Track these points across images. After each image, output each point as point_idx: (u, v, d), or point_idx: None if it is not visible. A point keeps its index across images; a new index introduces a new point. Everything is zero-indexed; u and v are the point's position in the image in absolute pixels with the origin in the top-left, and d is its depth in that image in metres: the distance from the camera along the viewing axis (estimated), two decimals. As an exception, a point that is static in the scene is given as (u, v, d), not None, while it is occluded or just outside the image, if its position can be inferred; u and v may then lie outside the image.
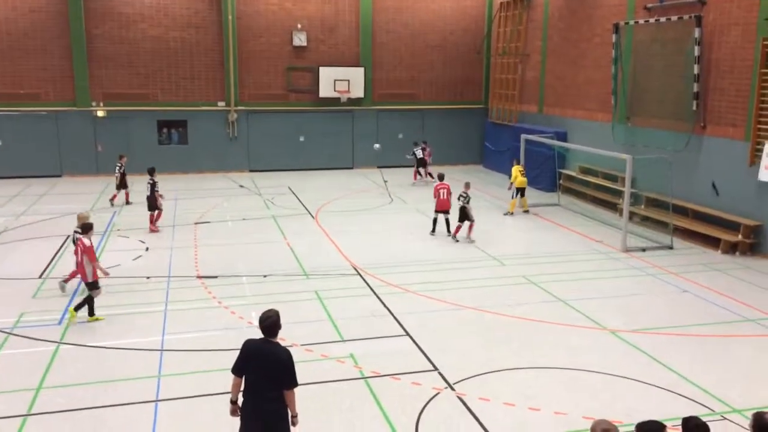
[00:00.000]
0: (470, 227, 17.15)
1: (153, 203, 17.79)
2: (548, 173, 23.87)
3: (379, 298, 12.68)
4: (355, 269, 14.48)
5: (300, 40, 28.09)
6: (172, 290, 13.05)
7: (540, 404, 8.55)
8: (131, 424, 8.08)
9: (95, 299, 11.39)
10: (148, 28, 26.59)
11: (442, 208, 17.48)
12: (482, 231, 17.97)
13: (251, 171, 28.04)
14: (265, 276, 13.95)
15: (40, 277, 13.79)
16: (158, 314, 11.73)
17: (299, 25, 28.03)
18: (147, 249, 15.98)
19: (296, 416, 6.54)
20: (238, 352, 6.48)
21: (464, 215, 17.01)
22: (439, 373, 9.45)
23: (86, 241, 11.40)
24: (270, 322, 6.38)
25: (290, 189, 24.34)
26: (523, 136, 21.89)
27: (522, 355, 10.17)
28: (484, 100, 30.62)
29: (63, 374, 9.38)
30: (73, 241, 12.38)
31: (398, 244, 16.72)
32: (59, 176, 26.07)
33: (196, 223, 18.68)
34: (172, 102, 27.23)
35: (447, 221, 17.45)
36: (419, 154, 25.99)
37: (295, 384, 6.41)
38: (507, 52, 28.28)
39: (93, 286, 11.37)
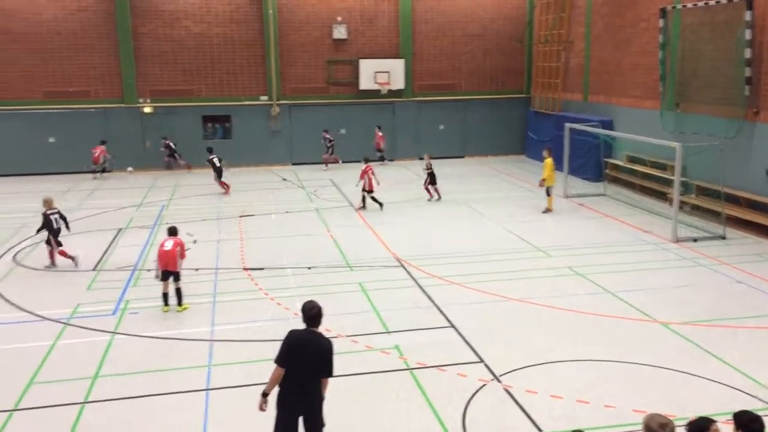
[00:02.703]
0: (436, 189, 20.69)
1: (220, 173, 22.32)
2: (594, 163, 23.44)
3: (422, 289, 12.68)
4: (399, 261, 14.51)
5: (340, 32, 28.16)
6: (220, 282, 13.30)
7: (589, 397, 8.44)
8: (184, 412, 8.28)
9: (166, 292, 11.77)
10: (191, 26, 27.03)
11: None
12: (527, 222, 17.80)
13: (294, 164, 28.29)
14: (309, 268, 14.09)
15: (93, 269, 14.22)
16: (207, 305, 11.97)
17: (339, 18, 28.10)
18: (195, 241, 16.29)
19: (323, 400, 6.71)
20: (282, 346, 6.56)
21: (434, 179, 20.55)
22: (485, 365, 9.41)
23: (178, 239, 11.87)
24: (314, 313, 6.53)
25: (332, 182, 24.48)
26: (568, 125, 21.53)
27: (569, 347, 10.04)
28: (526, 89, 30.21)
29: (118, 363, 9.67)
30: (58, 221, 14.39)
31: (441, 236, 16.67)
32: (109, 171, 26.74)
33: (241, 217, 18.97)
34: (216, 97, 27.66)
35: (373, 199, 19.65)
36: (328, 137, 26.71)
37: (332, 373, 6.55)
38: (550, 40, 27.81)
39: (177, 276, 11.74)
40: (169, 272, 11.63)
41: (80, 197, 22.09)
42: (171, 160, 27.01)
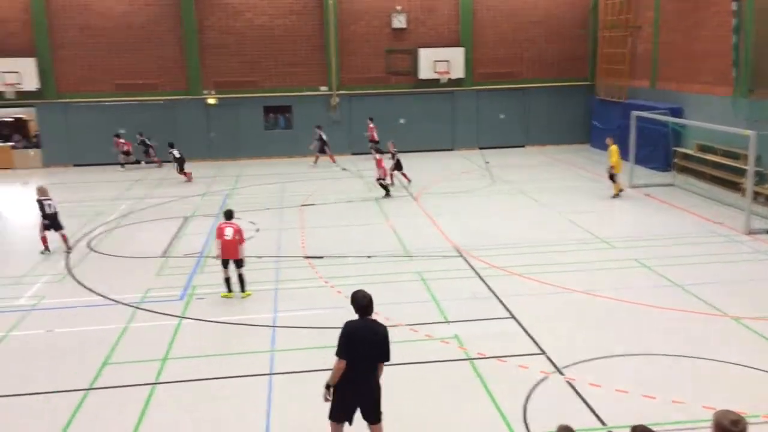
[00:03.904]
0: (404, 174, 21.43)
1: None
2: (662, 152, 22.66)
3: (482, 279, 12.59)
4: (458, 251, 14.44)
5: (399, 21, 28.10)
6: (282, 269, 13.56)
7: (655, 392, 8.22)
8: (248, 395, 8.51)
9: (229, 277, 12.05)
10: (253, 17, 27.49)
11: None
12: (590, 212, 17.41)
13: (353, 154, 28.47)
14: (369, 257, 14.19)
15: (162, 255, 14.73)
16: (270, 292, 12.22)
17: (398, 7, 28.03)
18: (257, 230, 16.65)
19: None
20: (342, 338, 6.55)
21: (400, 165, 21.12)
22: (547, 357, 9.29)
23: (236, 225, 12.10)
24: (366, 302, 6.63)
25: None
26: (634, 113, 20.88)
27: (634, 341, 9.78)
28: (591, 76, 29.43)
29: (185, 347, 10.01)
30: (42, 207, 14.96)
31: (501, 226, 16.49)
32: (138, 163, 27.44)
33: (302, 206, 19.25)
34: (278, 88, 28.09)
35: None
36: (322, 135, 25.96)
37: (390, 358, 6.71)
38: (616, 25, 26.97)
39: (239, 263, 12.00)
40: (226, 261, 11.86)
41: (149, 187, 22.88)
42: (144, 155, 26.83)
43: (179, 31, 27.15)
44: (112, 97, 27.27)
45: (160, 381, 8.92)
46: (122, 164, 26.38)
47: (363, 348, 6.44)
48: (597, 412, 7.84)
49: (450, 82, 28.56)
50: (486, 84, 29.14)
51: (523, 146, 29.47)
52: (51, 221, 15.04)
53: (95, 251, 15.23)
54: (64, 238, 15.22)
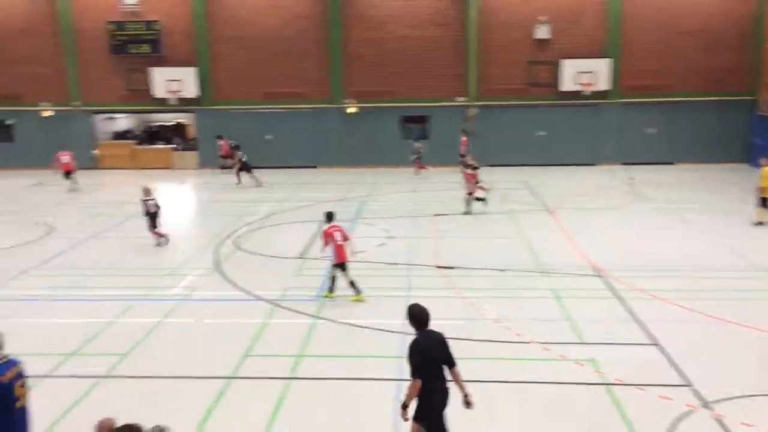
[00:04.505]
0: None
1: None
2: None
3: (622, 302, 11.95)
4: (596, 270, 13.82)
5: (542, 32, 27.51)
6: (413, 277, 13.67)
7: (821, 440, 7.38)
8: (376, 397, 8.64)
9: (335, 276, 12.42)
10: (394, 29, 28.09)
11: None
12: (744, 237, 16.05)
13: (490, 166, 28.17)
14: (501, 270, 13.95)
15: (300, 257, 15.37)
16: (400, 299, 12.32)
17: (542, 18, 27.45)
18: (390, 237, 16.93)
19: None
20: (416, 357, 6.55)
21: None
22: (693, 390, 8.63)
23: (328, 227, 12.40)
24: (425, 316, 6.77)
25: (528, 184, 24.02)
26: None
27: (797, 381, 8.85)
28: (752, 90, 27.14)
29: (320, 345, 10.36)
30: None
31: (644, 247, 15.59)
32: (315, 167, 28.75)
33: (435, 215, 19.33)
34: (415, 98, 28.47)
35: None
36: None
37: (455, 361, 6.80)
38: (784, 35, 24.71)
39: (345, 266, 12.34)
40: (342, 264, 12.13)
41: (291, 190, 24.00)
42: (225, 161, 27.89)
43: (324, 43, 28.31)
44: (261, 105, 28.95)
45: (295, 376, 9.29)
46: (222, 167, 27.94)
47: (435, 361, 6.65)
48: (750, 455, 7.17)
49: (594, 95, 27.52)
50: (633, 96, 27.77)
51: (671, 163, 27.74)
52: (152, 219, 16.36)
53: (240, 249, 16.19)
54: (159, 234, 16.49)
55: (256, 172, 24.85)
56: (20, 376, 6.25)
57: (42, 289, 13.15)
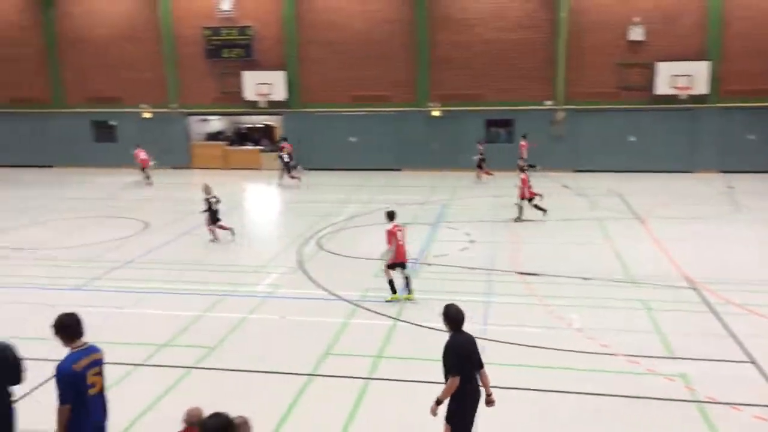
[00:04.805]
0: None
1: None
2: None
3: (717, 316, 11.33)
4: (690, 282, 13.17)
5: (636, 33, 26.55)
6: (494, 283, 13.49)
7: None
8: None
9: (392, 279, 12.47)
10: (483, 32, 27.85)
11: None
12: None
13: (576, 171, 27.48)
14: (585, 278, 13.55)
15: (381, 258, 15.45)
16: (481, 304, 12.22)
17: (636, 19, 26.49)
18: (471, 241, 16.78)
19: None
20: (455, 357, 6.68)
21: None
22: (795, 413, 8.07)
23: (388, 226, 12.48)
24: (462, 317, 6.87)
25: (617, 191, 23.22)
26: None
27: None
28: None
29: (399, 347, 10.40)
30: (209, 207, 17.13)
31: (743, 259, 14.75)
32: (398, 170, 28.92)
33: (516, 220, 19.00)
34: (501, 102, 28.12)
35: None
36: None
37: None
38: None
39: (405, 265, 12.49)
40: (401, 263, 12.30)
41: (372, 192, 24.25)
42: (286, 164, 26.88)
43: (411, 46, 28.44)
44: (346, 108, 29.42)
45: (374, 377, 9.37)
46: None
47: (471, 361, 6.80)
48: None
49: (691, 99, 26.28)
50: (733, 101, 26.32)
51: (775, 171, 26.14)
52: (212, 215, 17.18)
53: (323, 249, 16.50)
54: (222, 228, 17.29)
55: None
56: (96, 363, 6.27)
57: (138, 282, 13.88)
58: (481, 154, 26.29)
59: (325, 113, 29.61)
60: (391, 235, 12.25)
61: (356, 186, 25.39)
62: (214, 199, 17.30)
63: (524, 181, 18.92)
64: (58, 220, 20.43)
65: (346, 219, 19.89)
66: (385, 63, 28.85)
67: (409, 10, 28.15)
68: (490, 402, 6.95)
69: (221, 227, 17.38)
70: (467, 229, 18.04)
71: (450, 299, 12.16)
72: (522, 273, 14.03)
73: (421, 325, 11.27)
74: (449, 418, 6.85)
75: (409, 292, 12.43)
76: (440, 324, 11.17)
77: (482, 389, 6.90)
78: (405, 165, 29.07)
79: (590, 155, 27.37)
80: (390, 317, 11.63)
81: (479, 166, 26.17)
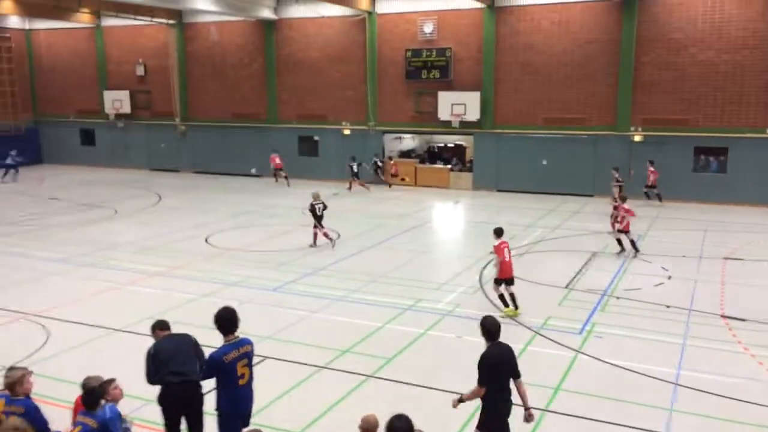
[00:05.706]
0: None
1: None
2: None
3: None
4: None
5: None
6: (692, 324, 12.34)
7: None
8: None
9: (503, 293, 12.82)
10: (697, 53, 25.75)
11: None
12: None
13: (800, 207, 24.26)
14: (807, 331, 11.87)
15: (566, 287, 14.89)
16: (675, 346, 11.26)
17: None
18: (669, 277, 15.52)
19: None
20: (487, 368, 6.73)
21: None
22: None
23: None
24: (498, 327, 6.94)
25: None
26: None
27: None
28: None
29: (579, 381, 9.91)
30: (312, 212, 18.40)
31: None
32: (591, 196, 27.64)
33: (725, 258, 17.22)
34: (713, 128, 25.75)
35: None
36: None
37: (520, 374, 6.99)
38: None
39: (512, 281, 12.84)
40: (508, 279, 12.71)
41: (562, 217, 23.42)
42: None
43: (615, 68, 27.14)
44: (539, 130, 28.82)
45: (550, 409, 9.01)
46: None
47: (504, 372, 6.84)
48: None
49: None
50: None
51: None
52: (318, 220, 18.20)
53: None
54: (325, 235, 18.27)
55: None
56: (244, 356, 6.81)
57: (329, 289, 14.74)
58: (618, 180, 24.67)
59: (516, 135, 29.25)
60: (498, 251, 12.70)
61: (545, 210, 24.72)
62: (321, 205, 18.39)
63: (629, 212, 17.47)
64: (262, 225, 22.42)
65: (531, 243, 19.42)
66: (584, 85, 27.80)
67: (617, 30, 26.89)
68: (529, 417, 6.97)
69: (325, 235, 18.35)
70: (664, 263, 16.73)
71: (641, 338, 11.42)
72: (726, 317, 12.67)
73: (604, 361, 10.65)
74: (480, 426, 6.99)
75: (516, 308, 12.70)
76: (627, 362, 10.53)
77: (522, 402, 6.97)
78: (599, 191, 27.68)
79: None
80: (572, 349, 11.13)
81: (618, 196, 23.92)
